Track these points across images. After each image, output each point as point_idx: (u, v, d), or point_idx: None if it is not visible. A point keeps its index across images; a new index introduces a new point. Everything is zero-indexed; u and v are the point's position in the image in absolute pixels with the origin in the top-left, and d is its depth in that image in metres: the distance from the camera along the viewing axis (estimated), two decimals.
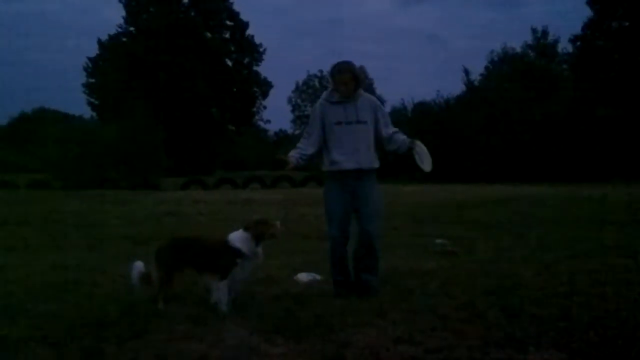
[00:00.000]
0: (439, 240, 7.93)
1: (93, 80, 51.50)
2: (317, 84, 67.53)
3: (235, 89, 52.09)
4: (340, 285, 4.64)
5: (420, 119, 37.04)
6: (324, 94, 4.72)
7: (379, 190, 4.69)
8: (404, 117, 39.76)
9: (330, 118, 4.57)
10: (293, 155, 4.56)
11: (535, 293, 4.41)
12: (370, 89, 73.54)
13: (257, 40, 52.99)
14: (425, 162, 4.63)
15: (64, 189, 25.55)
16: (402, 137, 4.70)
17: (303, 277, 5.19)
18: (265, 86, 55.13)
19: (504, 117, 32.64)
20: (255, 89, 54.52)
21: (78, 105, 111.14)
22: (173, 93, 44.57)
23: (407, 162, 4.78)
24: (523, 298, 4.26)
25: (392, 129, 4.71)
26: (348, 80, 4.53)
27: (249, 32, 52.59)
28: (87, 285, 5.17)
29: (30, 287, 5.11)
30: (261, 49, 53.16)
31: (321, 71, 66.37)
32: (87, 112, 54.25)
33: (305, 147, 4.61)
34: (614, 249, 6.61)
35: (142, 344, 3.41)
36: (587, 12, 39.08)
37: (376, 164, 4.64)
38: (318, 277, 5.21)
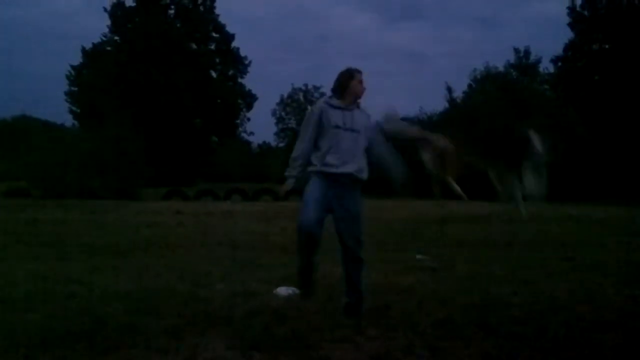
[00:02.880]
0: (419, 256, 7.95)
1: (75, 89, 51.15)
2: (301, 97, 67.64)
3: (219, 101, 52.01)
4: (307, 285, 4.49)
5: None
6: (324, 98, 4.66)
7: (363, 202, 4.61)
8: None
9: (330, 120, 4.46)
10: (289, 176, 4.50)
11: (513, 311, 4.43)
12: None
13: (242, 53, 53.11)
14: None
15: (43, 197, 25.24)
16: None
17: (282, 291, 5.15)
18: (249, 98, 55.12)
19: (485, 135, 32.95)
20: (239, 100, 54.50)
21: (59, 113, 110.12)
22: (156, 103, 44.37)
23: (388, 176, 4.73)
24: (501, 316, 4.27)
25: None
26: (362, 81, 4.59)
27: (234, 44, 52.71)
28: (63, 296, 5.09)
29: (5, 297, 5.02)
30: (246, 62, 53.27)
31: (306, 85, 66.51)
32: (68, 121, 53.78)
33: (298, 157, 4.49)
34: (591, 267, 6.67)
35: (116, 357, 3.36)
36: (568, 34, 39.87)
37: (367, 175, 4.55)
38: (297, 291, 5.18)
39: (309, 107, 4.64)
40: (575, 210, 17.15)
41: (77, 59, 51.48)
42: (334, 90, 4.62)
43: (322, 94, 68.35)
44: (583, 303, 4.66)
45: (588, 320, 4.09)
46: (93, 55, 49.96)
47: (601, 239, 10.01)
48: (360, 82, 4.60)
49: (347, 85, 4.57)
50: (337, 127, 4.44)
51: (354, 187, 4.48)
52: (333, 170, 4.38)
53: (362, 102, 4.61)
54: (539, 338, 3.68)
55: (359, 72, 4.64)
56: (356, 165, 4.45)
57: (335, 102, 4.55)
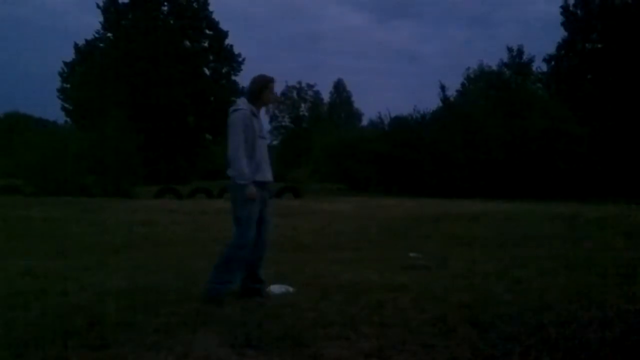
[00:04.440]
0: (412, 254, 7.97)
1: (68, 86, 50.98)
2: (295, 95, 67.70)
3: (212, 98, 51.90)
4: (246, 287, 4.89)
5: (397, 133, 37.26)
6: (244, 104, 4.74)
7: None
8: (380, 131, 40.03)
9: (254, 128, 4.68)
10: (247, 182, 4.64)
11: (506, 309, 4.44)
12: (348, 102, 73.95)
13: (236, 50, 52.98)
14: None
15: (35, 195, 25.14)
16: None
17: (275, 288, 5.15)
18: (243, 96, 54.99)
19: (479, 133, 33.00)
20: (233, 98, 54.31)
21: (52, 110, 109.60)
22: (150, 100, 44.24)
23: (384, 176, 4.84)
24: (494, 314, 4.28)
25: None
26: (274, 90, 4.87)
27: (228, 41, 52.58)
28: (55, 293, 5.08)
29: None
30: (240, 59, 53.17)
31: (300, 83, 66.72)
32: (60, 118, 53.60)
33: (246, 160, 4.66)
34: (584, 266, 6.69)
35: (108, 354, 3.36)
36: (562, 34, 40.04)
37: None
38: (291, 289, 5.18)
39: (234, 112, 4.75)
40: (570, 208, 17.19)
41: (70, 56, 51.43)
42: (247, 96, 4.79)
43: (317, 92, 68.68)
44: (575, 301, 4.67)
45: (580, 319, 4.11)
46: (86, 52, 49.82)
47: (595, 237, 10.05)
48: (272, 91, 4.82)
49: (260, 92, 4.76)
50: (257, 135, 4.69)
51: (270, 191, 4.91)
52: (263, 178, 4.73)
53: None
54: (532, 336, 3.70)
55: (272, 80, 4.83)
56: (272, 172, 4.84)
57: (254, 109, 4.73)
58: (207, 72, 53.09)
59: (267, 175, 4.78)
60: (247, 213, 4.69)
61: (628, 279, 5.79)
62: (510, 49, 44.24)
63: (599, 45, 38.60)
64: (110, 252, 8.58)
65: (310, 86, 68.71)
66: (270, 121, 67.48)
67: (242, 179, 4.59)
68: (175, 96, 45.35)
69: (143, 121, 41.17)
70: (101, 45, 49.41)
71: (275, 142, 68.49)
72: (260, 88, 4.77)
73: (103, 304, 4.54)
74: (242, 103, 4.76)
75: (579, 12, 39.09)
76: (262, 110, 4.89)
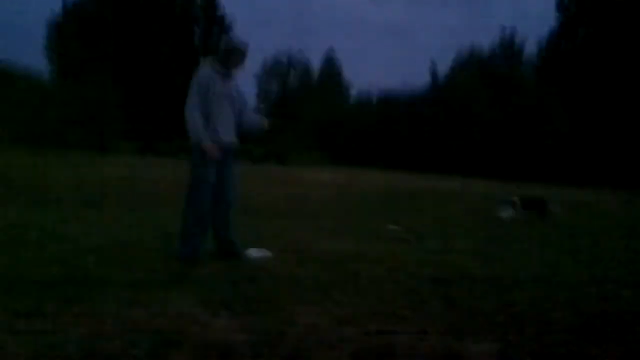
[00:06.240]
0: (391, 227, 8.04)
1: (55, 43, 49.90)
2: (285, 61, 66.99)
3: (201, 58, 51.14)
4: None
5: (385, 107, 37.20)
6: (206, 64, 4.84)
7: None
8: (369, 106, 39.95)
9: (216, 87, 4.70)
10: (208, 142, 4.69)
11: (479, 285, 4.52)
12: (339, 73, 73.35)
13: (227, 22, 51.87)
14: None
15: (15, 143, 24.76)
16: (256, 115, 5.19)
17: (253, 252, 5.18)
18: None
19: (466, 113, 33.04)
20: None
21: (38, 64, 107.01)
22: (137, 59, 43.52)
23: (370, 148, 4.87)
24: (466, 289, 4.36)
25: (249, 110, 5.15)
26: (244, 62, 4.89)
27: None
28: (33, 245, 5.07)
29: None
30: (230, 21, 52.18)
31: (290, 49, 65.88)
32: (46, 73, 52.43)
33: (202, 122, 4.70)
34: (558, 247, 6.81)
35: (84, 307, 3.37)
36: (555, 18, 39.92)
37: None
38: (269, 253, 5.22)
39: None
40: (548, 191, 17.37)
41: (58, 14, 50.21)
42: (218, 56, 4.83)
43: (307, 60, 68.03)
44: (547, 281, 4.77)
45: (550, 299, 4.19)
46: (75, 11, 48.70)
47: (571, 221, 10.20)
48: (240, 61, 4.85)
49: (234, 56, 4.81)
50: (221, 94, 4.71)
51: (232, 153, 4.89)
52: (220, 139, 4.72)
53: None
54: (501, 313, 3.77)
55: (244, 52, 4.84)
56: (235, 134, 4.89)
57: (219, 68, 4.76)
58: (197, 31, 52.12)
59: (226, 137, 4.77)
60: (198, 174, 4.75)
61: (599, 261, 5.92)
62: (503, 28, 44.05)
63: (592, 30, 38.55)
64: (89, 206, 8.53)
65: (300, 51, 67.98)
66: (258, 84, 66.76)
67: (198, 138, 4.65)
68: (163, 55, 44.60)
69: (129, 79, 40.52)
70: (90, 6, 48.17)
71: (262, 106, 67.90)
72: (230, 51, 4.81)
73: (80, 258, 4.54)
74: (204, 62, 4.86)
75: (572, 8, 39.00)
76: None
